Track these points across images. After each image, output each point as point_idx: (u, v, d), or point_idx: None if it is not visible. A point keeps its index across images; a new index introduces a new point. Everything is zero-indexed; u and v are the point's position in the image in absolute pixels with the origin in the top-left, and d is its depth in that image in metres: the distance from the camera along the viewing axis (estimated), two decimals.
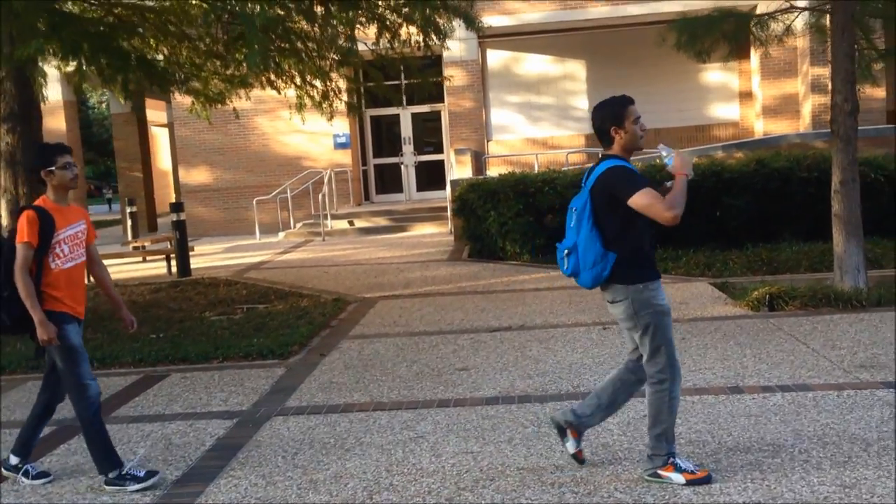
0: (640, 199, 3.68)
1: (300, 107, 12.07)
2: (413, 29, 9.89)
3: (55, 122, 20.16)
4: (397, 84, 21.21)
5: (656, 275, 3.87)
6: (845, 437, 4.30)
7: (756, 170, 11.70)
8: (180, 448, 4.82)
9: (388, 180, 21.50)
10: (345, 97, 11.91)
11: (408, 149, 21.26)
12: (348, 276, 11.79)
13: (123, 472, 4.19)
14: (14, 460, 4.42)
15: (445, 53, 18.48)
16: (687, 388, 5.39)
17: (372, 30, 10.22)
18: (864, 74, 9.90)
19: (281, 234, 17.99)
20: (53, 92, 17.11)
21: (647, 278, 3.82)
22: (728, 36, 8.98)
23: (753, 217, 11.53)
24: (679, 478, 3.80)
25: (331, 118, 12.27)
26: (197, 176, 20.41)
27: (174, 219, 13.08)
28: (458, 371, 6.19)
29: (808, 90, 17.58)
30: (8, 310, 4.15)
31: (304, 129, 19.67)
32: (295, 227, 18.42)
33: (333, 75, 11.69)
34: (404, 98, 21.10)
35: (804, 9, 8.74)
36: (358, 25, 10.23)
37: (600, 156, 3.95)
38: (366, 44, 10.68)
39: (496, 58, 20.25)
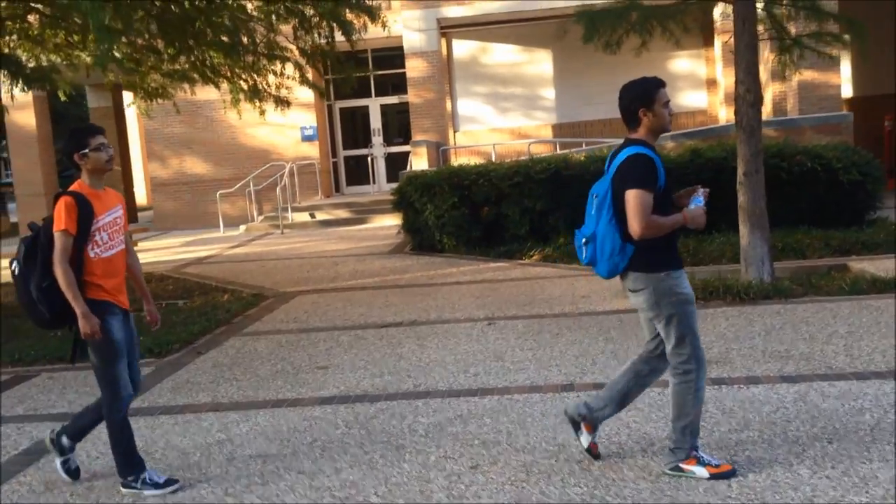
0: (632, 196, 3.56)
1: (235, 102, 12.09)
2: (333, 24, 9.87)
3: (25, 118, 20.30)
4: (366, 75, 21.25)
5: (679, 263, 3.75)
6: (634, 438, 4.27)
7: (691, 160, 11.60)
8: None
9: (359, 172, 21.51)
10: (283, 91, 11.86)
11: (377, 140, 21.25)
12: (283, 270, 11.82)
13: (143, 477, 4.05)
14: (65, 441, 4.24)
15: (406, 45, 18.46)
16: (523, 385, 5.40)
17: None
18: (786, 64, 9.79)
19: (242, 228, 18.07)
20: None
21: (670, 266, 3.70)
22: (636, 27, 8.87)
23: None
24: (702, 471, 3.67)
25: (285, 108, 12.14)
26: (165, 169, 20.50)
27: None
28: (316, 370, 6.20)
29: (769, 78, 17.39)
30: (48, 302, 3.90)
31: (272, 121, 19.64)
32: (257, 220, 18.48)
33: (279, 67, 11.59)
34: (373, 89, 21.17)
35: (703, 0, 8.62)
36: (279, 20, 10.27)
37: (624, 140, 3.79)
38: (286, 38, 10.68)
39: (463, 48, 20.17)
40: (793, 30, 10.29)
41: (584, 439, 4.00)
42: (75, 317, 3.87)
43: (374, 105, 21.26)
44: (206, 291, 10.27)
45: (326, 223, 17.60)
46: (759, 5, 9.09)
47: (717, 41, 18.26)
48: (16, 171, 21.19)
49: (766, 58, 17.79)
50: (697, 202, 3.69)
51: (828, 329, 6.25)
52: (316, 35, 9.98)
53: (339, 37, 10.10)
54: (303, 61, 10.71)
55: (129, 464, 4.07)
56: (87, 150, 3.98)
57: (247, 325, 8.20)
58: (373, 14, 9.80)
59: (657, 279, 3.67)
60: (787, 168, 11.14)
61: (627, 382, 3.96)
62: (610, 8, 8.49)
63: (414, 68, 18.40)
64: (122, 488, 4.09)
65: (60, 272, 3.84)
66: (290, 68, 11.15)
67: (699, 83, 19.60)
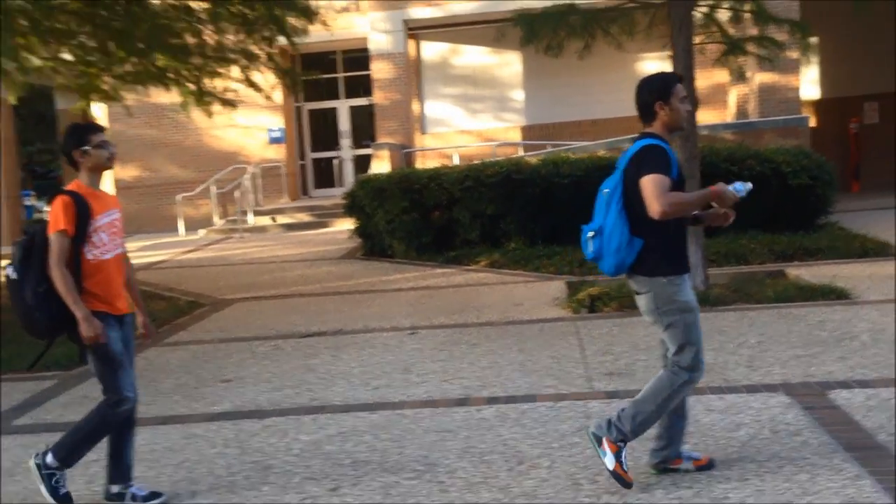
0: (648, 180, 3.44)
1: (185, 105, 11.96)
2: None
3: None
4: (334, 77, 21.16)
5: (683, 269, 3.62)
6: (504, 451, 4.17)
7: None
8: None
9: (327, 175, 21.38)
10: (228, 94, 11.72)
11: (346, 142, 21.12)
12: (229, 276, 11.69)
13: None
14: (115, 489, 3.93)
15: (372, 46, 18.35)
16: (418, 399, 5.29)
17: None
18: (732, 67, 9.72)
19: (202, 232, 17.91)
20: None
21: (672, 272, 3.56)
22: (577, 30, 8.77)
23: None
24: (611, 461, 3.58)
25: (231, 110, 12.00)
26: (131, 171, 20.34)
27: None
28: (220, 383, 6.08)
29: (735, 79, 17.33)
30: (45, 308, 3.68)
31: (239, 123, 19.64)
32: (218, 223, 18.33)
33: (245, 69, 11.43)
34: (342, 91, 21.05)
35: (644, 4, 8.52)
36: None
37: (639, 133, 3.69)
38: (229, 38, 10.56)
39: (432, 50, 20.04)
40: (735, 32, 10.22)
41: (688, 466, 3.78)
42: (74, 324, 3.66)
43: (344, 107, 21.14)
44: (143, 299, 10.10)
45: (288, 227, 17.47)
46: (704, 9, 9.02)
47: None
48: None
49: (732, 59, 17.74)
50: (737, 188, 3.54)
51: (739, 339, 6.16)
52: (258, 37, 9.85)
53: (304, 39, 9.97)
54: (247, 63, 10.58)
55: (73, 454, 3.88)
56: (87, 147, 3.79)
57: (171, 334, 8.08)
58: (308, 15, 9.67)
59: (658, 284, 3.55)
60: (738, 172, 11.02)
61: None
62: (549, 11, 8.38)
63: (380, 70, 18.28)
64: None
65: (58, 275, 3.64)
66: (237, 72, 11.01)
67: None
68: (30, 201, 18.33)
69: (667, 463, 3.79)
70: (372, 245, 12.57)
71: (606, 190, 3.62)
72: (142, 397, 5.76)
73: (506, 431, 4.50)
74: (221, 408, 5.45)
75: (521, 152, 16.92)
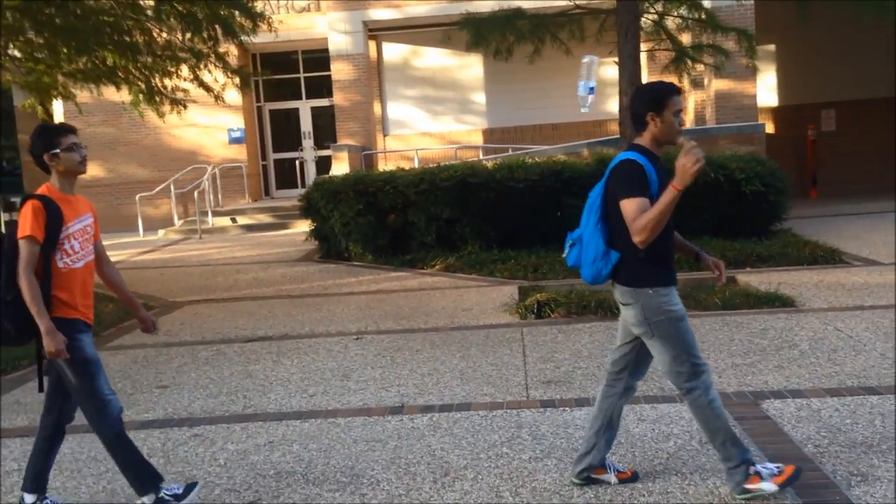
0: (627, 206, 3.37)
1: (135, 104, 11.81)
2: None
3: None
4: (296, 77, 21.01)
5: (670, 278, 3.52)
6: (430, 462, 4.12)
7: (597, 169, 11.51)
8: None
9: (290, 175, 21.21)
10: (178, 94, 11.58)
11: (308, 143, 20.97)
12: (181, 278, 11.52)
13: (161, 494, 3.70)
14: (29, 499, 3.77)
15: (332, 47, 18.23)
16: (353, 407, 5.22)
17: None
18: (681, 73, 9.77)
19: (161, 232, 17.68)
20: None
21: (658, 282, 3.47)
22: (526, 35, 8.76)
23: None
24: (770, 486, 3.45)
25: (181, 110, 11.87)
26: (89, 170, 19.96)
27: None
28: (155, 389, 5.96)
29: (690, 87, 17.47)
30: (12, 316, 3.54)
31: (199, 122, 19.45)
32: (177, 224, 18.10)
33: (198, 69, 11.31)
34: (304, 91, 20.91)
35: (591, 10, 8.54)
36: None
37: (628, 144, 3.54)
38: (178, 37, 10.43)
39: (393, 52, 19.97)
40: (693, 39, 10.30)
41: (610, 478, 3.75)
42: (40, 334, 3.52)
43: (305, 107, 20.99)
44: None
45: (248, 228, 17.30)
46: (653, 16, 9.08)
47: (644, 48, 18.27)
48: None
49: (690, 65, 17.89)
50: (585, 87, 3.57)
51: None
52: (205, 36, 9.73)
53: (262, 39, 9.88)
54: (195, 62, 10.46)
55: (143, 477, 3.68)
56: (58, 151, 3.64)
57: (115, 337, 7.93)
58: (252, 16, 9.57)
59: (644, 295, 3.47)
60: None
61: (609, 410, 3.73)
62: (496, 16, 8.36)
63: (339, 71, 18.18)
64: None
65: (25, 283, 3.50)
66: (187, 71, 10.89)
67: None
68: None
69: (590, 471, 3.75)
70: (328, 247, 12.47)
71: (591, 198, 3.59)
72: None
73: (435, 441, 4.45)
74: (153, 415, 5.34)
75: (482, 155, 16.93)
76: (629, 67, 8.10)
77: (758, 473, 3.51)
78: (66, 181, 3.72)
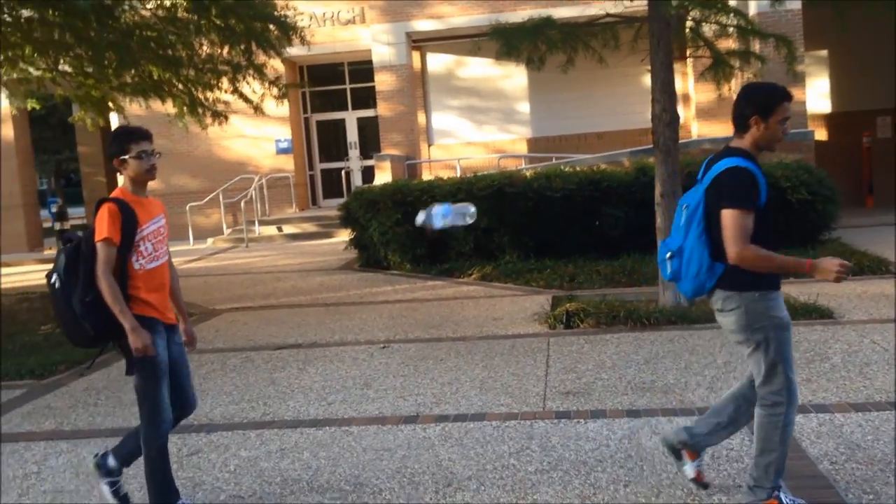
0: (729, 218, 3.21)
1: (179, 116, 12.07)
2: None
3: (3, 130, 20.41)
4: (342, 88, 21.24)
5: (776, 283, 3.33)
6: (435, 472, 4.09)
7: (636, 178, 11.38)
8: None
9: (337, 185, 21.42)
10: (219, 106, 11.78)
11: (354, 153, 21.16)
12: (223, 286, 11.72)
13: None
14: (112, 463, 3.90)
15: (376, 58, 18.38)
16: (369, 416, 5.22)
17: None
18: (719, 81, 9.58)
19: (210, 241, 18.01)
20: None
21: (765, 286, 3.28)
22: (558, 44, 8.70)
23: (632, 227, 11.21)
24: None
25: (223, 122, 12.08)
26: None
27: None
28: None
29: (732, 93, 17.17)
30: (91, 318, 3.57)
31: (248, 133, 19.81)
32: (225, 233, 18.42)
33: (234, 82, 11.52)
34: (350, 102, 21.13)
35: (624, 18, 8.43)
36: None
37: (725, 147, 3.40)
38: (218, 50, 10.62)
39: (437, 62, 20.05)
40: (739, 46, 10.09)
41: (689, 468, 3.66)
42: (121, 333, 3.57)
43: (351, 118, 21.20)
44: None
45: (294, 237, 17.51)
46: (690, 24, 8.91)
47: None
48: None
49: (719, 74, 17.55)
50: (439, 214, 3.49)
51: (707, 359, 6.02)
52: (241, 49, 9.90)
53: (308, 52, 10.02)
54: (233, 75, 10.63)
55: (164, 493, 3.73)
56: (126, 157, 3.67)
57: None
58: (287, 29, 9.71)
59: (750, 299, 3.28)
60: None
61: (737, 409, 3.58)
62: (525, 25, 8.31)
63: (383, 82, 18.31)
64: None
65: (105, 285, 3.53)
66: (246, 83, 11.06)
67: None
68: (55, 208, 18.51)
69: (686, 446, 3.64)
70: (368, 256, 12.55)
71: (687, 205, 3.40)
72: (103, 409, 5.81)
73: (444, 451, 4.43)
74: None
75: (525, 164, 16.85)
76: (661, 76, 7.95)
77: (778, 499, 3.38)
78: (137, 185, 3.75)
